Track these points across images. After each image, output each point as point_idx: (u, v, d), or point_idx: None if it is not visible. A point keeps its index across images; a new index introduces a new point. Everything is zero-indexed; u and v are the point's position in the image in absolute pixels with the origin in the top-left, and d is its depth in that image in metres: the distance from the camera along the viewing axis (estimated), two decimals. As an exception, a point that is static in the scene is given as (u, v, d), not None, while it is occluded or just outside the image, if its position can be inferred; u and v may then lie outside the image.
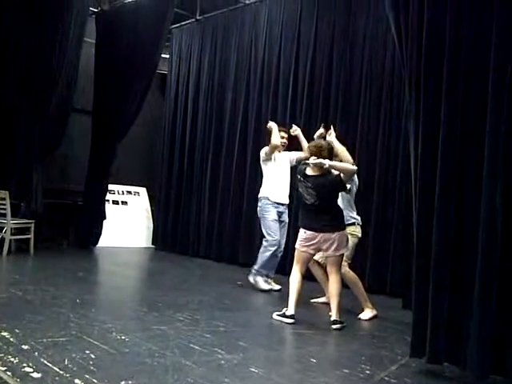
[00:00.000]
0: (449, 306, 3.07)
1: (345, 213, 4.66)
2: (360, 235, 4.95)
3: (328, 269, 4.50)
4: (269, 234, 5.66)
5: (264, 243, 5.72)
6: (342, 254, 4.46)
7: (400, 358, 3.50)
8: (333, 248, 4.38)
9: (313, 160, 4.36)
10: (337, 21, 6.73)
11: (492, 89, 2.93)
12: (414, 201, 3.27)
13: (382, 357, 3.52)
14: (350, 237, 4.68)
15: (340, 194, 4.63)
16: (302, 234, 4.51)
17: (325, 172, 4.39)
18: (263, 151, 5.81)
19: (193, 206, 8.53)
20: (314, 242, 4.43)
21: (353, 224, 4.84)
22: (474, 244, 2.98)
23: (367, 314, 4.70)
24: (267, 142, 5.80)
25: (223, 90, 8.24)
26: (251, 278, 5.77)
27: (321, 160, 4.31)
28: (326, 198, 4.44)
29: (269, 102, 7.43)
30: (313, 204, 4.43)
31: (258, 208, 5.84)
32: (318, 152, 4.38)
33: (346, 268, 4.71)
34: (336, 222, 4.45)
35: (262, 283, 5.70)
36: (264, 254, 5.67)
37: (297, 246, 4.57)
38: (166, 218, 8.94)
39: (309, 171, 4.47)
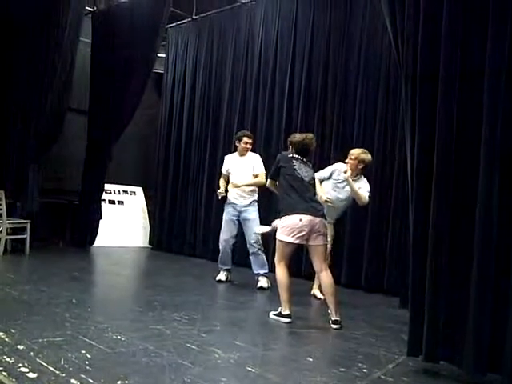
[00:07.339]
0: (445, 305, 3.07)
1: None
2: None
3: (318, 263, 4.21)
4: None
5: (258, 247, 5.82)
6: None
7: (397, 356, 3.50)
8: (322, 236, 4.20)
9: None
10: (333, 19, 6.73)
11: (487, 91, 2.93)
12: (411, 201, 3.26)
13: (378, 355, 3.52)
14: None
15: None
16: (296, 222, 4.09)
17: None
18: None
19: (189, 205, 8.52)
20: (309, 229, 4.09)
21: None
22: (470, 242, 2.98)
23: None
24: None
25: (219, 89, 8.23)
26: (267, 282, 5.73)
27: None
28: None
29: (265, 100, 7.42)
30: (311, 180, 4.31)
31: (256, 212, 5.96)
32: (303, 145, 4.41)
33: None
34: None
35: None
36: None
37: (284, 238, 4.16)
38: (162, 217, 8.92)
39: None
